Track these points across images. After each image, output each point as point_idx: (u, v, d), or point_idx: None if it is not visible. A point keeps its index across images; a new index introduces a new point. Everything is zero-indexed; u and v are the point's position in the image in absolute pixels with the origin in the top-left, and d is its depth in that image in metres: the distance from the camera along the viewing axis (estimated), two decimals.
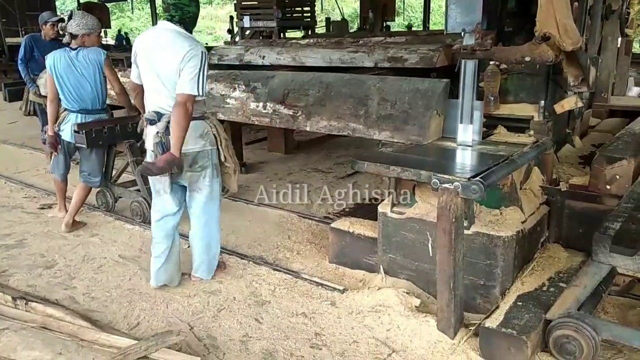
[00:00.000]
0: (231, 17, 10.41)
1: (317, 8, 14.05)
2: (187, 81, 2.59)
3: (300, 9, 10.15)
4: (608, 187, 2.70)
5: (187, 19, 2.75)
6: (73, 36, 3.72)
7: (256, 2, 9.81)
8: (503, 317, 2.33)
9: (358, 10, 12.57)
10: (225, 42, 9.64)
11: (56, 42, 5.06)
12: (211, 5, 24.49)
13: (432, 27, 14.41)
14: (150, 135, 2.81)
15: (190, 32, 2.80)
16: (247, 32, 9.78)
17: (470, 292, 2.62)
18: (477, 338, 2.34)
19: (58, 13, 7.69)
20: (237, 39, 9.60)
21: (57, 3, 20.95)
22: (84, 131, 3.71)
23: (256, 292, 2.93)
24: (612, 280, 2.71)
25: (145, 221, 3.80)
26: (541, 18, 2.46)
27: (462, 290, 2.45)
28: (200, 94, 2.64)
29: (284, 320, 2.65)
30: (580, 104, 3.05)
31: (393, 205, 2.93)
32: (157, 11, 18.02)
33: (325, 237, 3.45)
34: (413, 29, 15.67)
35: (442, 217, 2.34)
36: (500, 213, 2.68)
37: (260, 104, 3.72)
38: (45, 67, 4.99)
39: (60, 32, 3.83)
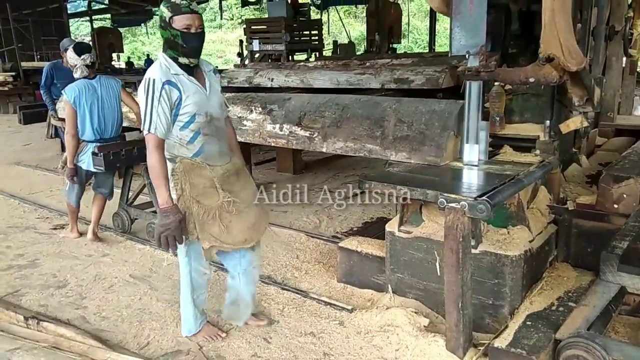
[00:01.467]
0: (241, 41, 10.62)
1: (325, 31, 14.28)
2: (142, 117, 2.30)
3: (308, 32, 10.33)
4: (615, 206, 2.71)
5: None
6: (89, 66, 3.84)
7: (265, 27, 10.01)
8: (512, 336, 2.32)
9: (365, 33, 12.74)
10: (235, 65, 9.81)
11: None
12: (221, 29, 24.96)
13: (437, 49, 14.56)
14: None
15: (165, 53, 2.36)
16: (257, 55, 9.95)
17: (479, 312, 2.62)
18: (487, 358, 2.33)
19: (73, 38, 7.98)
20: (246, 62, 9.77)
21: (71, 28, 21.49)
22: (102, 154, 3.80)
23: (265, 312, 2.94)
24: (622, 300, 2.68)
25: None
26: (545, 39, 2.50)
27: (471, 309, 2.45)
28: (148, 130, 2.24)
29: (293, 340, 2.66)
30: (585, 124, 3.07)
31: (400, 224, 2.95)
32: None
33: (334, 257, 3.47)
34: (419, 51, 15.84)
35: (449, 237, 2.36)
36: (508, 232, 2.69)
37: (277, 126, 3.75)
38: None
39: (71, 67, 3.93)
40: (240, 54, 10.82)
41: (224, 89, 6.42)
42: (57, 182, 6.03)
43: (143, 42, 27.47)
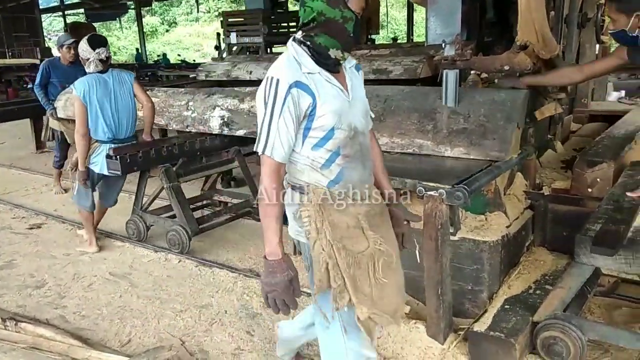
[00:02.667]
0: (218, 34, 10.50)
1: None
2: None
3: (286, 24, 10.26)
4: (589, 190, 2.76)
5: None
6: (104, 62, 3.53)
7: (242, 19, 9.90)
8: (491, 320, 2.36)
9: None
10: (213, 59, 9.70)
11: (75, 65, 4.92)
12: (198, 22, 24.67)
13: (415, 39, 14.61)
14: None
15: (313, 39, 1.65)
16: (234, 48, 9.85)
17: (459, 297, 2.65)
18: (467, 342, 2.37)
19: (45, 34, 7.32)
20: (224, 55, 9.67)
21: (44, 24, 20.99)
22: (118, 157, 3.47)
23: (247, 305, 2.94)
24: (597, 281, 2.75)
25: (184, 252, 3.63)
26: (522, 27, 2.54)
27: (450, 295, 2.48)
28: (263, 151, 1.62)
29: (276, 332, 2.66)
30: (560, 110, 3.12)
31: None
32: (145, 30, 18.10)
33: None
34: (397, 41, 15.88)
35: (428, 224, 2.38)
36: (485, 218, 2.73)
37: None
38: (62, 88, 4.87)
39: (82, 60, 3.60)
40: (217, 47, 10.70)
41: (202, 83, 6.37)
42: (32, 181, 5.92)
43: (118, 36, 27.00)
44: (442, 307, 2.41)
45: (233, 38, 9.43)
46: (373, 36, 11.88)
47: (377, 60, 6.24)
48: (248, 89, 3.97)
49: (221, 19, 10.34)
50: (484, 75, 3.30)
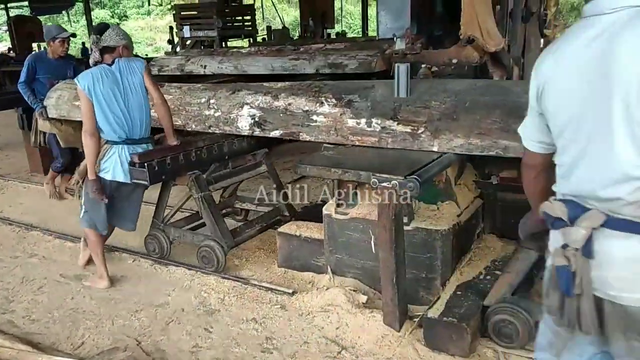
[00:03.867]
0: (171, 28, 10.28)
1: (258, 17, 14.09)
2: None
3: (240, 18, 10.15)
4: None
5: None
6: (110, 49, 3.05)
7: (196, 12, 9.74)
8: (444, 306, 2.43)
9: (299, 19, 12.70)
10: (166, 53, 9.49)
11: (65, 61, 4.63)
12: (150, 16, 24.02)
13: (371, 33, 14.76)
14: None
15: None
16: (188, 42, 9.68)
17: (414, 286, 2.72)
18: (422, 329, 2.44)
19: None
20: (177, 49, 9.47)
21: None
22: (145, 164, 3.01)
23: (205, 302, 2.91)
24: (544, 264, 2.88)
25: (219, 270, 3.22)
26: (465, 21, 2.61)
27: (405, 284, 2.54)
28: None
29: (234, 328, 2.66)
30: None
31: (337, 206, 3.00)
32: (94, 23, 17.46)
33: (274, 242, 3.47)
34: (352, 35, 16.00)
35: (382, 215, 2.43)
36: (438, 208, 2.81)
37: (363, 121, 2.95)
38: (49, 89, 4.37)
39: (91, 50, 3.15)
40: (170, 41, 10.48)
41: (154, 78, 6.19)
42: None
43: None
44: (397, 295, 2.47)
45: (186, 32, 9.26)
46: (329, 31, 11.93)
47: (332, 54, 6.29)
48: (280, 84, 3.51)
49: (174, 12, 10.12)
50: (435, 68, 3.38)
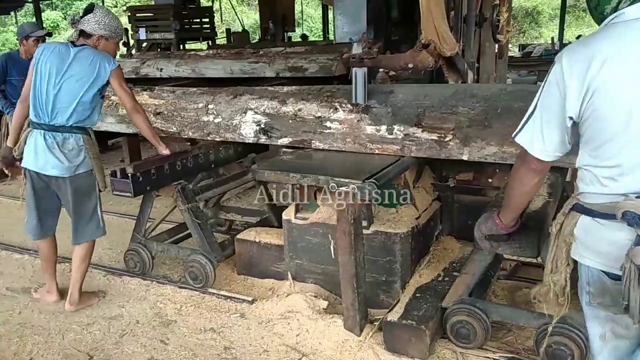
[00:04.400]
0: (126, 30, 9.99)
1: (217, 19, 13.92)
2: None
3: (199, 20, 9.99)
4: (490, 180, 2.94)
5: None
6: (85, 35, 2.75)
7: (152, 14, 9.52)
8: (403, 309, 2.44)
9: (259, 21, 12.63)
10: (121, 55, 9.22)
11: None
12: None
13: (331, 37, 14.84)
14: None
15: None
16: (144, 44, 9.45)
17: (374, 289, 2.73)
18: (382, 332, 2.44)
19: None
20: (133, 51, 9.24)
21: None
22: (129, 175, 2.86)
23: (161, 313, 2.82)
24: (499, 266, 2.95)
25: (207, 286, 3.05)
26: (424, 26, 2.64)
27: (365, 288, 2.54)
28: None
29: (192, 339, 2.58)
30: None
31: (297, 211, 2.97)
32: (45, 25, 16.83)
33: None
34: (313, 39, 16.04)
35: (342, 220, 2.42)
36: (397, 211, 2.82)
37: (383, 128, 2.75)
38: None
39: (72, 27, 2.83)
40: (126, 44, 10.19)
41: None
42: None
43: (14, 32, 24.89)
44: (357, 300, 2.46)
45: (142, 34, 9.04)
46: (289, 34, 11.90)
47: (292, 58, 6.27)
48: (287, 88, 3.25)
49: (129, 14, 9.87)
50: (392, 72, 3.41)
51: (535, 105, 1.38)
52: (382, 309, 2.66)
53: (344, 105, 2.91)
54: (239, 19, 14.39)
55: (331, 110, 2.93)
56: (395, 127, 2.74)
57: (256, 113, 3.14)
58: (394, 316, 2.39)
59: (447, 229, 3.15)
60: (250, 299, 2.90)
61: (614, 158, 1.29)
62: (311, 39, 16.80)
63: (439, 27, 2.62)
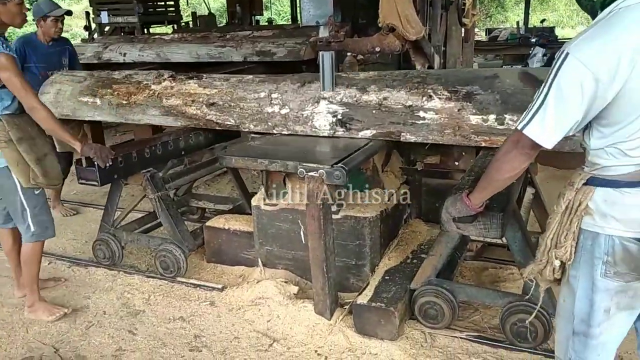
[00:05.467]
0: (87, 13, 9.64)
1: (183, 2, 13.57)
2: None
3: (163, 3, 9.72)
4: (456, 163, 2.98)
5: None
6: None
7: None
8: (373, 292, 2.47)
9: (225, 5, 12.36)
10: (83, 40, 8.91)
11: (59, 45, 3.89)
12: (64, 1, 22.50)
13: (299, 20, 14.68)
14: None
15: None
16: (107, 28, 9.15)
17: (344, 273, 2.75)
18: (352, 316, 2.46)
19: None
20: (95, 36, 8.93)
21: None
22: (95, 163, 2.73)
23: (129, 303, 2.78)
24: (466, 247, 3.00)
25: (180, 275, 3.02)
26: (384, 10, 2.63)
27: (335, 272, 2.55)
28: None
29: (161, 328, 2.56)
30: None
31: (266, 197, 2.95)
32: None
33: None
34: (282, 22, 15.84)
35: (311, 205, 2.42)
36: (366, 195, 2.84)
37: (491, 117, 2.45)
38: (45, 81, 3.57)
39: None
40: (87, 28, 9.84)
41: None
42: None
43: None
44: (327, 284, 2.47)
45: (104, 17, 8.74)
46: (257, 17, 11.71)
47: (260, 42, 6.18)
48: (363, 74, 2.94)
49: None
50: (360, 56, 3.39)
51: (546, 97, 1.36)
52: (353, 293, 2.68)
53: (439, 92, 2.59)
54: (205, 2, 14.06)
55: (424, 98, 2.61)
56: (507, 116, 2.42)
57: (331, 103, 2.80)
58: (363, 299, 2.42)
59: (416, 212, 3.19)
60: (220, 286, 2.88)
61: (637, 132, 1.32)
62: (280, 22, 16.60)
63: (403, 10, 2.62)
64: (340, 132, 2.80)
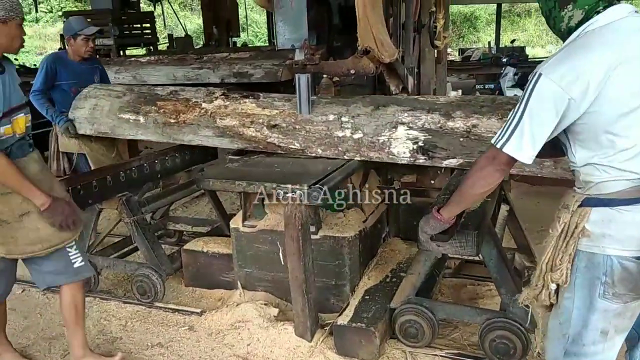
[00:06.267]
0: (62, 36, 9.59)
1: (159, 24, 13.60)
2: None
3: (139, 25, 9.73)
4: (432, 182, 3.04)
5: None
6: None
7: (89, 20, 9.17)
8: (353, 312, 2.48)
9: (202, 26, 12.44)
10: None
11: (90, 64, 3.72)
12: (38, 23, 22.33)
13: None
14: None
15: None
16: None
17: (324, 294, 2.74)
18: (332, 337, 2.46)
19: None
20: None
21: None
22: (68, 189, 2.62)
23: (105, 330, 2.72)
24: (444, 264, 3.04)
25: (158, 299, 2.98)
26: (360, 33, 2.69)
27: (315, 293, 2.55)
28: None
29: (138, 355, 2.51)
30: None
31: (244, 219, 2.95)
32: None
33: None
34: (259, 44, 15.97)
35: (289, 226, 2.42)
36: (344, 215, 2.86)
37: None
38: (74, 99, 3.44)
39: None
40: (62, 50, 9.79)
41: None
42: None
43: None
44: (307, 305, 2.46)
45: None
46: (235, 39, 11.79)
47: (237, 64, 6.22)
48: (443, 99, 2.86)
49: (65, 19, 9.48)
50: (336, 78, 3.44)
51: (522, 115, 1.42)
52: (333, 313, 2.68)
53: None
54: (181, 24, 14.12)
55: None
56: None
57: (410, 128, 2.64)
58: (343, 319, 2.42)
59: (394, 231, 3.23)
60: (199, 310, 2.84)
61: (624, 142, 1.37)
62: (257, 44, 16.73)
63: (377, 34, 2.68)
64: (421, 160, 2.64)
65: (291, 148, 2.89)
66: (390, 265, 2.90)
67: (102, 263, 3.15)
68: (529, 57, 10.02)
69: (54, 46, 15.46)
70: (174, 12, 13.55)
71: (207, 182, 2.67)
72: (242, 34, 12.97)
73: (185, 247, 3.17)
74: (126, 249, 3.39)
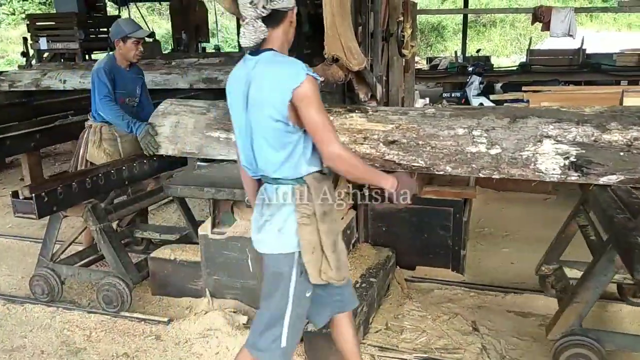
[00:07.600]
0: (25, 39, 9.33)
1: None
2: None
3: (106, 29, 9.56)
4: None
5: None
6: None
7: (54, 23, 8.97)
8: None
9: (171, 31, 12.30)
10: (20, 67, 8.61)
11: (135, 72, 3.52)
12: (0, 25, 21.68)
13: None
14: None
15: None
16: (45, 54, 8.88)
17: None
18: (302, 343, 2.45)
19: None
20: (33, 62, 8.65)
21: None
22: (33, 196, 2.58)
23: (68, 341, 2.65)
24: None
25: (124, 308, 2.90)
26: (328, 42, 2.72)
27: None
28: None
29: None
30: None
31: (213, 226, 2.92)
32: None
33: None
34: (229, 50, 15.90)
35: None
36: None
37: None
38: (122, 105, 3.33)
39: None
40: (25, 54, 9.51)
41: (7, 95, 5.51)
42: None
43: None
44: None
45: (43, 43, 8.50)
46: (204, 44, 11.71)
47: (206, 69, 6.19)
48: (588, 109, 2.49)
49: (27, 22, 9.24)
50: None
51: None
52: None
53: None
54: (149, 28, 13.93)
55: None
56: None
57: (559, 142, 2.38)
58: (314, 326, 2.41)
59: (364, 236, 3.25)
60: (166, 319, 2.80)
61: None
62: (226, 49, 16.65)
63: (346, 42, 2.72)
64: (573, 177, 2.40)
65: (414, 166, 2.62)
66: (360, 270, 2.92)
67: (66, 272, 3.07)
68: (494, 66, 10.28)
69: (17, 49, 15.00)
70: (142, 17, 13.34)
71: (175, 188, 2.64)
72: (211, 40, 12.86)
73: (152, 254, 3.12)
74: (92, 257, 3.30)
